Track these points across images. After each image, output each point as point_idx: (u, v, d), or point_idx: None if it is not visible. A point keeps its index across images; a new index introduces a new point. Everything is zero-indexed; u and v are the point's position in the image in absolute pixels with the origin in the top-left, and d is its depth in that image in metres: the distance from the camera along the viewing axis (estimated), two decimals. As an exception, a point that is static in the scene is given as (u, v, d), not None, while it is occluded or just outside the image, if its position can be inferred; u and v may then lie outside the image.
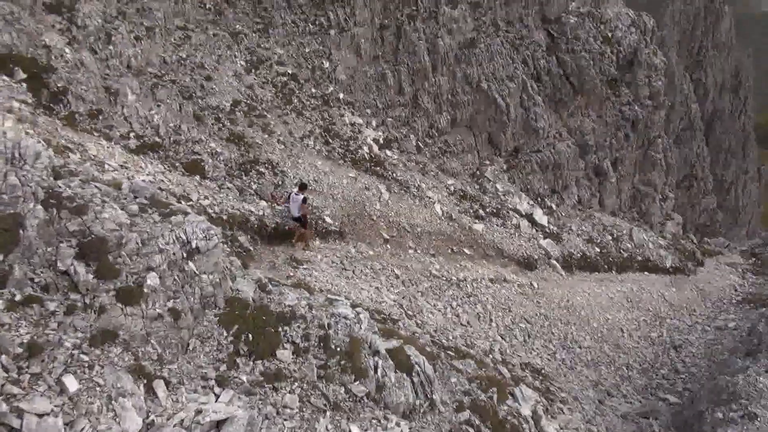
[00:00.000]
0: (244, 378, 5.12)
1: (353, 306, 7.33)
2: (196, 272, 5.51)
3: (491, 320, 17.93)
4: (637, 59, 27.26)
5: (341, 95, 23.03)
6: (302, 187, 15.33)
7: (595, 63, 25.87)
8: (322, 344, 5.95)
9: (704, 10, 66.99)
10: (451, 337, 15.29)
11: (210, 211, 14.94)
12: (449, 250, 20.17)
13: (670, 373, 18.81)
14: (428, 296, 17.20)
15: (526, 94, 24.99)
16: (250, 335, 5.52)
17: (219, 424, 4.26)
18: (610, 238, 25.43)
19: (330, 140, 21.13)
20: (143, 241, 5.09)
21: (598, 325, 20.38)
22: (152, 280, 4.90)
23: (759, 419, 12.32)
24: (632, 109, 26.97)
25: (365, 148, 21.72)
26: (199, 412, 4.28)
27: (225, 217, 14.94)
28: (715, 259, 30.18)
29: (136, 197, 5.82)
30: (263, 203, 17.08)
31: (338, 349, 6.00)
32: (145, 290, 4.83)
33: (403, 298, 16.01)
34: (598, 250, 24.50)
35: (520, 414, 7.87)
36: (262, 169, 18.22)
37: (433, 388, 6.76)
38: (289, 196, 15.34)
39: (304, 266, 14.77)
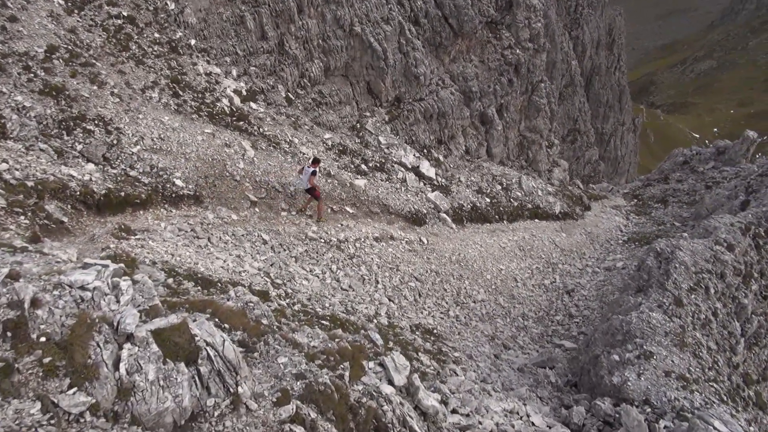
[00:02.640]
0: None
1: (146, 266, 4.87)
2: None
3: (377, 282, 16.29)
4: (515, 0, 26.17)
5: (192, 41, 19.73)
6: (315, 161, 15.97)
7: (473, 3, 24.36)
8: (9, 334, 3.53)
9: (578, -32, 69.06)
10: (327, 305, 13.34)
11: (8, 176, 11.89)
12: (329, 210, 18.09)
13: (565, 319, 18.18)
14: (303, 261, 15.13)
15: (404, 39, 23.00)
16: None
17: None
18: (499, 187, 24.48)
19: (180, 92, 18.00)
20: None
21: (491, 276, 19.34)
22: None
23: (655, 357, 11.48)
24: (514, 52, 25.90)
25: (225, 101, 18.80)
26: None
27: (31, 184, 11.94)
28: (600, 203, 30.50)
29: None
30: (90, 166, 14.10)
31: (44, 339, 3.61)
32: None
33: (271, 265, 13.83)
34: (489, 201, 23.47)
35: (381, 393, 5.90)
36: (91, 127, 15.09)
37: (238, 378, 4.58)
38: (302, 169, 15.99)
39: (138, 236, 12.06)
